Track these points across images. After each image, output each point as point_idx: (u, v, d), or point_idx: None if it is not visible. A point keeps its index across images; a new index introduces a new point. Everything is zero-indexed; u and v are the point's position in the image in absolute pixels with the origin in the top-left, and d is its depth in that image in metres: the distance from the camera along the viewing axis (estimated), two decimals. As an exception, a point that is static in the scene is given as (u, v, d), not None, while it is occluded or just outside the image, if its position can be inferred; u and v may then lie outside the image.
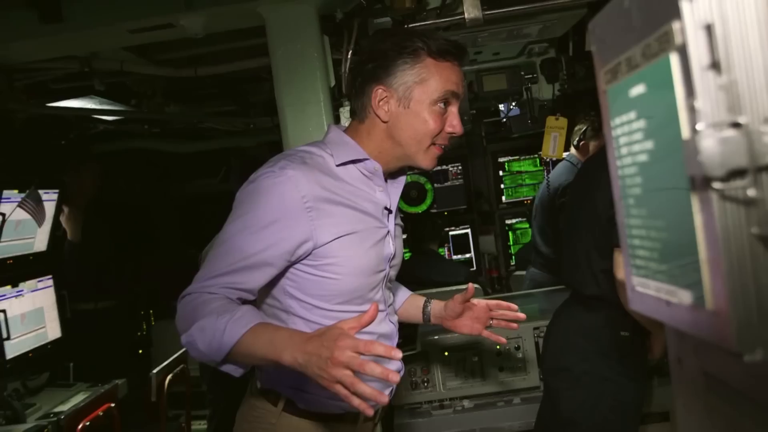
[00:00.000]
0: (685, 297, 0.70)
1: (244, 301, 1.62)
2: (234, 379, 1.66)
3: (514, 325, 2.14)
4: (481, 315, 2.11)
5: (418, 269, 4.26)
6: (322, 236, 1.63)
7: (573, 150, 4.24)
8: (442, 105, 1.72)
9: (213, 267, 1.59)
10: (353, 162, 1.75)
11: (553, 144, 3.75)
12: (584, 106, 4.16)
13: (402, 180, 1.89)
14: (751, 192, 0.60)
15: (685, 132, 0.64)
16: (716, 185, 0.60)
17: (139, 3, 2.67)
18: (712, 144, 0.60)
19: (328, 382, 1.33)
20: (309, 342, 1.37)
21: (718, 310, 0.64)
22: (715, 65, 0.61)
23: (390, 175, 1.86)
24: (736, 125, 0.60)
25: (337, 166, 1.72)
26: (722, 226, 0.61)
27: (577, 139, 4.15)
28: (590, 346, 2.65)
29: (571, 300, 2.82)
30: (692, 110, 0.62)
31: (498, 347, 3.21)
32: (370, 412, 1.34)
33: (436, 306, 2.17)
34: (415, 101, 1.70)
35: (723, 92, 0.61)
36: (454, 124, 1.74)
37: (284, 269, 1.67)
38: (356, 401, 1.31)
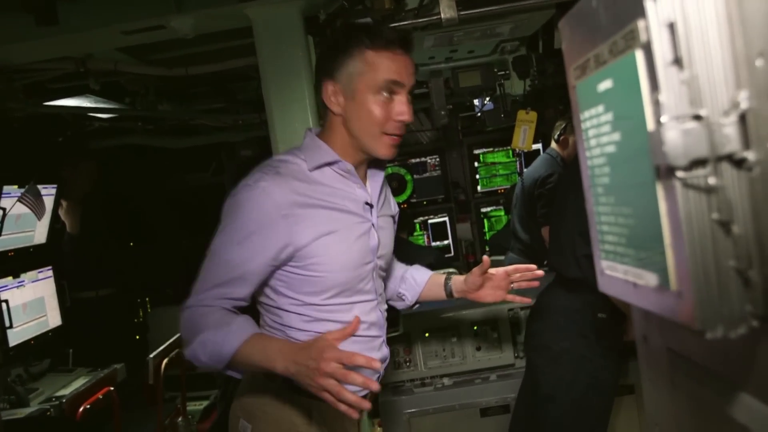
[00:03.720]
0: (651, 279, 0.70)
1: (240, 308, 1.68)
2: None
3: (536, 282, 2.13)
4: (502, 282, 2.08)
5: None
6: (301, 239, 1.65)
7: (553, 144, 4.29)
8: (385, 94, 1.68)
9: (205, 279, 1.65)
10: (327, 165, 1.75)
11: (523, 136, 3.76)
12: (553, 101, 4.18)
13: (381, 175, 1.88)
14: (712, 180, 0.61)
15: (650, 124, 0.64)
16: (679, 174, 0.61)
17: (132, 5, 2.64)
18: (676, 135, 0.60)
19: (316, 390, 1.43)
20: (299, 353, 1.48)
21: (682, 291, 0.64)
22: (677, 61, 0.61)
23: (368, 170, 1.86)
24: (697, 117, 0.61)
25: (312, 170, 1.72)
26: (685, 212, 0.61)
27: (557, 133, 4.21)
28: (570, 326, 2.68)
29: (554, 282, 2.85)
30: (657, 104, 0.62)
31: (475, 328, 3.23)
32: (356, 415, 1.45)
33: (457, 281, 2.12)
34: (359, 92, 1.69)
35: (685, 86, 0.61)
36: (400, 110, 1.70)
37: (272, 272, 1.70)
38: (342, 407, 1.42)
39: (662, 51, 0.62)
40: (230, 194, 1.69)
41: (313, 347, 1.44)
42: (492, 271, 2.06)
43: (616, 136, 0.74)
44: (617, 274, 0.80)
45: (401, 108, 1.70)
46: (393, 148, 1.75)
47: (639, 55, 0.65)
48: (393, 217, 2.01)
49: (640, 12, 0.63)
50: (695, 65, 0.61)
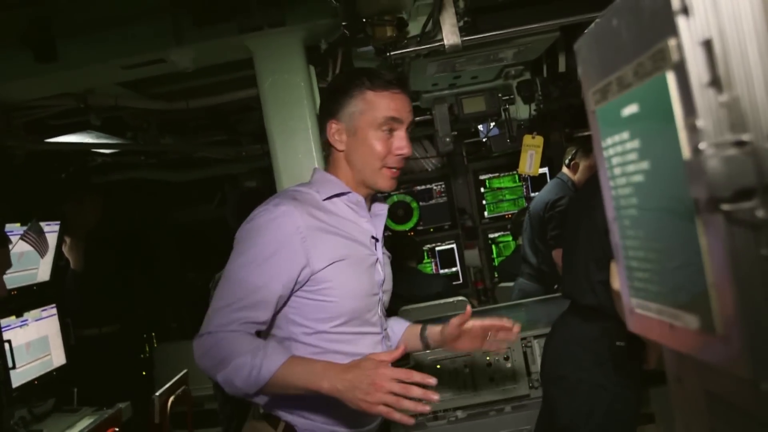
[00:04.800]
0: (691, 321, 0.63)
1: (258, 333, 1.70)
2: (244, 399, 1.73)
3: (512, 337, 2.04)
4: (479, 333, 2.01)
5: (398, 286, 4.23)
6: (317, 262, 1.68)
7: (564, 169, 4.29)
8: (386, 130, 1.78)
9: (225, 304, 1.65)
10: (338, 195, 1.81)
11: (529, 161, 3.72)
12: (559, 124, 4.16)
13: (384, 211, 1.94)
14: (760, 213, 0.54)
15: (686, 152, 0.58)
16: (723, 207, 0.54)
17: (131, 40, 2.63)
18: (717, 164, 0.54)
19: (368, 405, 1.51)
20: (348, 371, 1.55)
21: (729, 336, 0.57)
22: (715, 82, 0.55)
23: (371, 206, 1.92)
24: (740, 144, 0.55)
25: (324, 200, 1.79)
26: (731, 248, 0.55)
27: (568, 158, 4.21)
28: (587, 355, 2.59)
29: (569, 310, 2.77)
30: (693, 129, 0.56)
31: (488, 358, 3.14)
32: (412, 420, 1.55)
33: (433, 332, 2.05)
34: (361, 129, 1.78)
35: (725, 110, 0.55)
36: (399, 145, 1.79)
37: (287, 298, 1.72)
38: (397, 416, 1.52)
39: (698, 71, 0.56)
40: (246, 221, 1.73)
41: (364, 367, 1.53)
42: (468, 325, 1.97)
43: (644, 165, 0.68)
44: (650, 314, 0.73)
45: (401, 143, 1.79)
46: (393, 181, 1.84)
47: (670, 77, 0.59)
48: (390, 256, 2.03)
49: (671, 30, 0.57)
50: (735, 86, 0.55)
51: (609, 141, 0.76)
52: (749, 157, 0.54)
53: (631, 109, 0.69)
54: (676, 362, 0.88)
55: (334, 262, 1.70)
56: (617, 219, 0.78)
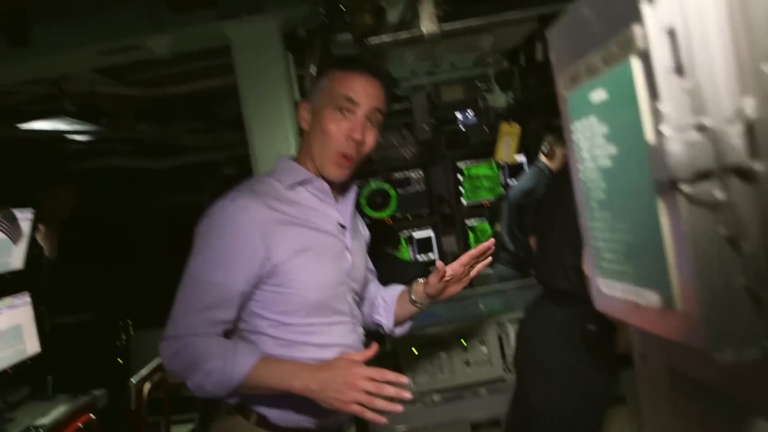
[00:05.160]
0: (653, 298, 0.66)
1: (225, 331, 1.67)
2: None
3: (489, 259, 2.00)
4: (462, 275, 1.98)
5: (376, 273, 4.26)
6: (278, 255, 1.64)
7: (542, 157, 4.33)
8: (341, 110, 1.70)
9: (188, 305, 1.62)
10: (301, 184, 1.76)
11: (506, 149, 3.75)
12: (536, 113, 4.20)
13: (351, 197, 1.88)
14: (718, 193, 0.57)
15: (650, 136, 0.61)
16: (683, 188, 0.57)
17: (107, 25, 2.60)
18: (678, 147, 0.57)
19: (342, 404, 1.52)
20: (321, 371, 1.56)
21: (688, 312, 0.60)
22: (678, 68, 0.57)
23: (340, 194, 1.86)
24: (701, 127, 0.57)
25: (287, 189, 1.74)
26: (690, 228, 0.58)
27: (546, 147, 4.26)
28: (560, 339, 2.63)
29: (543, 295, 2.81)
30: (656, 114, 0.59)
31: (464, 342, 3.18)
32: (384, 419, 1.55)
33: (420, 295, 2.01)
34: (320, 106, 1.74)
35: (687, 95, 0.57)
36: (349, 127, 1.71)
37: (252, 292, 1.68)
38: (369, 414, 1.53)
39: (662, 58, 0.58)
40: (204, 215, 1.69)
41: (337, 366, 1.55)
42: (449, 272, 1.95)
43: (611, 149, 0.70)
44: (616, 293, 0.76)
45: (352, 126, 1.71)
46: (340, 170, 1.74)
47: (635, 63, 0.61)
48: (365, 242, 2.02)
49: (636, 17, 0.59)
50: (697, 72, 0.57)
51: (578, 126, 0.79)
52: (709, 140, 0.57)
53: (599, 95, 0.71)
54: (641, 340, 0.92)
55: (296, 253, 1.66)
56: (586, 202, 0.81)
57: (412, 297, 2.03)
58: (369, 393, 1.52)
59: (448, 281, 1.96)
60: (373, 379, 1.52)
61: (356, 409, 1.52)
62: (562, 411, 2.60)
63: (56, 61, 2.77)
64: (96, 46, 2.64)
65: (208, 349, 1.57)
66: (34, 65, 2.76)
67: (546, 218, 2.87)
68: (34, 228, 3.84)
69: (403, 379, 1.55)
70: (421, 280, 2.03)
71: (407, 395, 1.56)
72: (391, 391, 1.52)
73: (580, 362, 2.59)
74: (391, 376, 1.53)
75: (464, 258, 1.97)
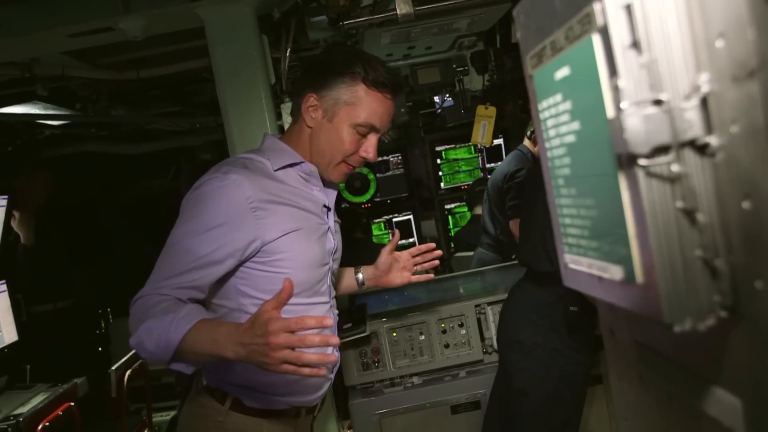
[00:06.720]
0: (615, 272, 0.68)
1: (195, 301, 1.59)
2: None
3: (436, 262, 2.24)
4: (407, 263, 2.20)
5: (348, 258, 4.29)
6: (268, 234, 1.64)
7: (525, 141, 4.33)
8: (361, 132, 1.75)
9: (163, 270, 1.56)
10: (290, 166, 1.77)
11: (482, 131, 3.75)
12: (512, 95, 4.20)
13: (336, 183, 1.92)
14: (675, 167, 0.58)
15: (610, 111, 0.62)
16: (641, 162, 0.58)
17: (77, 7, 2.54)
18: (636, 122, 0.58)
19: (274, 366, 1.34)
20: (244, 334, 1.36)
21: (648, 284, 0.62)
22: (635, 44, 0.59)
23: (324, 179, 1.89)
24: (658, 102, 0.58)
25: (276, 170, 1.74)
26: (648, 201, 0.59)
27: (529, 130, 4.25)
28: (542, 320, 2.68)
29: (525, 277, 2.85)
30: (616, 89, 0.60)
31: (443, 325, 3.21)
32: (323, 372, 1.38)
33: (367, 270, 2.24)
34: (339, 118, 1.74)
35: (644, 70, 0.59)
36: (368, 150, 1.78)
37: (235, 268, 1.66)
38: (306, 371, 1.34)
39: (620, 34, 0.59)
40: (193, 188, 1.66)
41: (256, 324, 1.34)
42: (397, 253, 2.19)
43: (575, 126, 0.72)
44: (581, 268, 0.77)
45: (371, 148, 1.79)
46: (345, 177, 1.85)
47: (596, 40, 0.63)
48: (340, 223, 2.06)
49: (596, -6, 0.60)
50: (654, 48, 0.58)
51: (544, 104, 0.80)
52: (666, 115, 0.58)
53: (563, 72, 0.72)
54: (609, 316, 0.94)
55: (286, 234, 1.66)
56: (552, 179, 0.82)
57: (358, 274, 2.24)
58: (294, 348, 1.34)
59: (396, 260, 2.19)
60: (293, 331, 1.32)
61: (288, 368, 1.34)
62: (545, 391, 2.64)
63: (26, 44, 2.71)
64: (66, 28, 2.58)
65: (157, 307, 1.48)
66: (3, 48, 2.70)
67: (529, 201, 2.89)
68: (9, 215, 3.79)
69: (327, 320, 1.36)
70: (365, 266, 2.24)
71: (335, 340, 1.39)
72: (315, 339, 1.33)
73: (562, 343, 2.64)
74: (312, 321, 1.33)
75: (413, 249, 2.21)
